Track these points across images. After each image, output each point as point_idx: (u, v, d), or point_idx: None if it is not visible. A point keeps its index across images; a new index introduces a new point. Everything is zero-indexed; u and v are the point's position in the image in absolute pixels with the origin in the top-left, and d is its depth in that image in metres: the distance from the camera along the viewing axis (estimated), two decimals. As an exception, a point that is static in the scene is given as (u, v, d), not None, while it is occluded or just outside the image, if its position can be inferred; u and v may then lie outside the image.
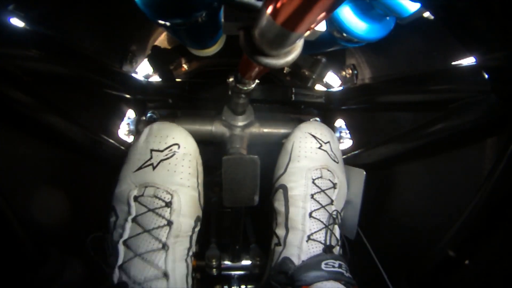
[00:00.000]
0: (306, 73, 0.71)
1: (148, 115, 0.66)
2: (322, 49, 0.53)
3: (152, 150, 0.42)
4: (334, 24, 0.40)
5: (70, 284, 0.47)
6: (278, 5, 0.20)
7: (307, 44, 0.30)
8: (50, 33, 0.47)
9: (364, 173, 0.51)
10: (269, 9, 0.21)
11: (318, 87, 0.73)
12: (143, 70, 0.71)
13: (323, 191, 0.45)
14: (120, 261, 0.36)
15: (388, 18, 0.40)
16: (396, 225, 0.58)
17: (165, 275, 0.36)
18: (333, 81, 0.74)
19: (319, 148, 0.48)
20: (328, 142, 0.50)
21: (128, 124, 0.66)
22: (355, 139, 0.69)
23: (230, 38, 0.57)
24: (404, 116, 0.57)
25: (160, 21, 0.34)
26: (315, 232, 0.43)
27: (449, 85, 0.44)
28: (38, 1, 0.45)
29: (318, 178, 0.46)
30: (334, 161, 0.49)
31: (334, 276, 0.38)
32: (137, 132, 0.66)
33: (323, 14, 0.20)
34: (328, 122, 0.71)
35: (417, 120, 0.50)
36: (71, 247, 0.50)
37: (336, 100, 0.64)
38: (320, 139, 0.49)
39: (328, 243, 0.42)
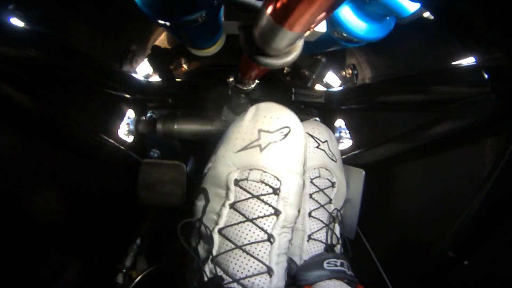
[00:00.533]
0: (306, 73, 0.71)
1: (148, 114, 0.66)
2: (322, 49, 0.53)
3: (260, 131, 0.37)
4: (334, 24, 0.40)
5: (70, 284, 0.47)
6: (278, 5, 0.20)
7: (307, 44, 0.30)
8: (50, 33, 0.47)
9: (364, 172, 0.51)
10: (269, 9, 0.21)
11: (318, 87, 0.73)
12: (143, 70, 0.71)
13: (321, 190, 0.45)
14: (214, 252, 0.32)
15: (388, 18, 0.40)
16: (396, 225, 0.58)
17: (269, 270, 0.31)
18: (333, 81, 0.74)
19: (317, 147, 0.48)
20: (326, 141, 0.50)
21: (128, 124, 0.66)
22: (354, 139, 0.69)
23: (230, 38, 0.57)
24: (404, 116, 0.57)
25: (160, 21, 0.35)
26: (316, 231, 0.43)
27: (449, 85, 0.44)
28: (38, 1, 0.45)
29: (316, 177, 0.46)
30: (332, 160, 0.49)
31: (337, 275, 0.38)
32: (136, 132, 0.66)
33: (323, 14, 0.20)
34: (328, 122, 0.71)
35: (417, 120, 0.50)
36: (71, 247, 0.50)
37: (336, 100, 0.64)
38: (317, 138, 0.49)
39: (329, 242, 0.42)
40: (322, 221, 0.43)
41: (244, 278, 0.30)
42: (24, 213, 0.44)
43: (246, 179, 0.35)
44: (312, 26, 0.23)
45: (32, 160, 0.48)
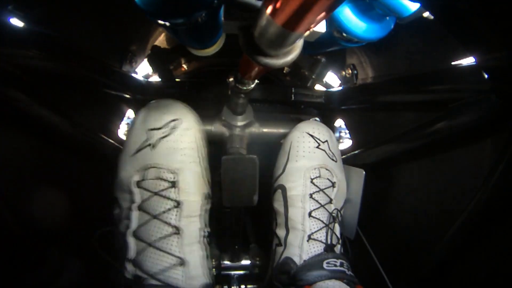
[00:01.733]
0: (306, 73, 0.71)
1: (148, 115, 0.66)
2: (322, 49, 0.53)
3: (149, 130, 0.39)
4: (334, 24, 0.40)
5: (70, 284, 0.47)
6: (278, 5, 0.20)
7: (307, 44, 0.30)
8: (50, 33, 0.47)
9: (364, 172, 0.51)
10: (269, 9, 0.21)
11: (318, 87, 0.73)
12: (143, 70, 0.71)
13: (322, 190, 0.45)
14: (132, 255, 0.34)
15: (388, 18, 0.40)
16: (396, 225, 0.58)
17: (182, 261, 0.34)
18: (333, 81, 0.74)
19: (317, 147, 0.48)
20: (326, 141, 0.50)
21: (127, 124, 0.66)
22: (354, 139, 0.69)
23: (230, 38, 0.57)
24: (404, 116, 0.57)
25: (160, 21, 0.34)
26: (316, 231, 0.43)
27: (449, 85, 0.44)
28: (38, 1, 0.45)
29: (316, 177, 0.46)
30: (333, 160, 0.49)
31: (336, 275, 0.38)
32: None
33: (322, 14, 0.20)
34: (328, 122, 0.71)
35: (417, 120, 0.50)
36: (71, 247, 0.50)
37: (335, 100, 0.64)
38: (318, 138, 0.49)
39: (329, 242, 0.42)
40: (322, 221, 0.43)
41: (159, 273, 0.32)
42: (24, 213, 0.44)
43: (145, 179, 0.37)
44: (312, 26, 0.23)
45: (32, 160, 0.48)
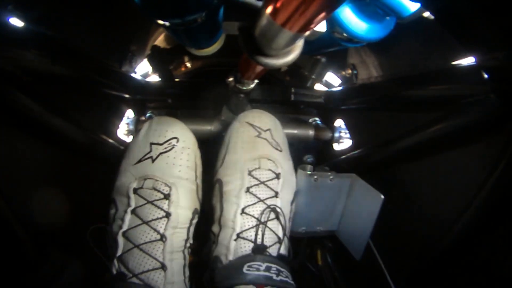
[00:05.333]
0: (306, 73, 0.71)
1: (148, 115, 0.66)
2: (322, 49, 0.53)
3: (151, 144, 0.42)
4: (334, 24, 0.40)
5: (70, 284, 0.47)
6: (278, 5, 0.20)
7: (307, 44, 0.30)
8: (50, 33, 0.47)
9: (382, 197, 0.47)
10: (269, 9, 0.21)
11: (318, 87, 0.73)
12: (142, 69, 0.71)
13: (262, 183, 0.41)
14: (119, 252, 0.37)
15: (388, 18, 0.40)
16: (396, 224, 0.58)
17: (163, 266, 0.36)
18: (332, 81, 0.74)
19: (257, 136, 0.44)
20: (269, 129, 0.46)
21: (127, 124, 0.66)
22: (354, 139, 0.69)
23: (229, 37, 0.57)
24: (404, 116, 0.57)
25: (159, 21, 0.34)
26: (246, 229, 0.38)
27: (449, 85, 0.44)
28: (38, 1, 0.45)
29: (255, 169, 0.42)
30: (277, 149, 0.45)
31: (256, 280, 0.34)
32: (136, 132, 0.66)
33: (323, 14, 0.20)
34: (328, 122, 0.71)
35: (417, 120, 0.50)
36: (71, 247, 0.50)
37: (335, 100, 0.64)
38: (258, 127, 0.45)
39: (259, 242, 0.38)
40: (256, 218, 0.39)
41: (141, 273, 0.35)
42: (24, 213, 0.44)
43: (142, 187, 0.40)
44: (312, 26, 0.23)
45: (31, 160, 0.48)
